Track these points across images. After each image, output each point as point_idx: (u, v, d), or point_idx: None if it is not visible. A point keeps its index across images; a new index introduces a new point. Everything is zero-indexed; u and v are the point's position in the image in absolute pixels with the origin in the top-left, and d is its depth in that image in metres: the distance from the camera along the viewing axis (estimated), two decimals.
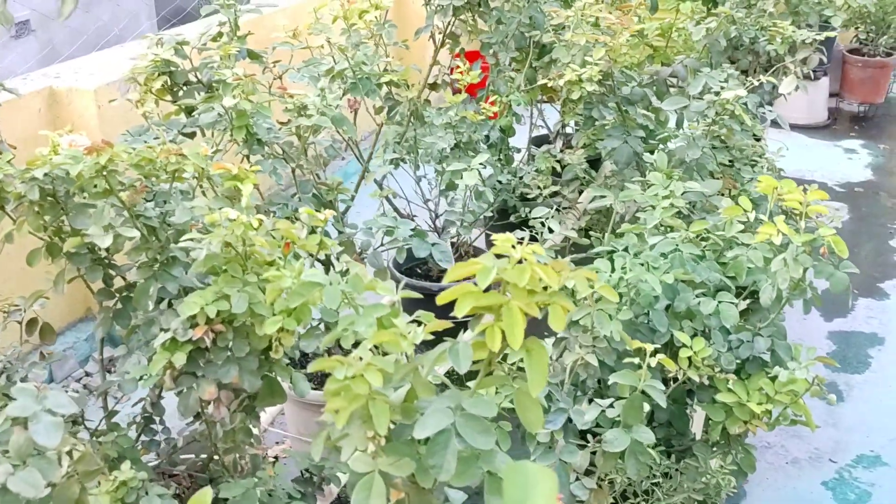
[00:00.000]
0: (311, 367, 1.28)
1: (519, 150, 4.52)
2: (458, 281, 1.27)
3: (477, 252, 3.85)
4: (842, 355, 4.03)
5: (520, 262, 1.25)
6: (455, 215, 3.10)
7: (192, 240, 1.66)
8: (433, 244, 2.55)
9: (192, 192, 2.06)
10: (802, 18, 5.27)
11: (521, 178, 3.61)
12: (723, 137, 3.20)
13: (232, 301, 1.61)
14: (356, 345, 1.44)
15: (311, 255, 1.84)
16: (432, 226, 3.66)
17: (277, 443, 3.31)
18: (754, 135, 4.36)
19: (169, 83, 2.86)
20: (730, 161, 3.38)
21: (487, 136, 3.58)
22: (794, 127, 6.73)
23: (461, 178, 2.68)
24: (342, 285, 1.53)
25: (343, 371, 1.25)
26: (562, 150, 3.99)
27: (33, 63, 8.05)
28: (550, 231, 2.52)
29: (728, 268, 2.58)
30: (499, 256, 1.29)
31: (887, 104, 7.19)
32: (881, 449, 3.47)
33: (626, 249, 2.50)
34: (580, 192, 3.60)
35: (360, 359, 1.28)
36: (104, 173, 1.71)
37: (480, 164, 2.73)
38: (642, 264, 2.40)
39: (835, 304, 4.43)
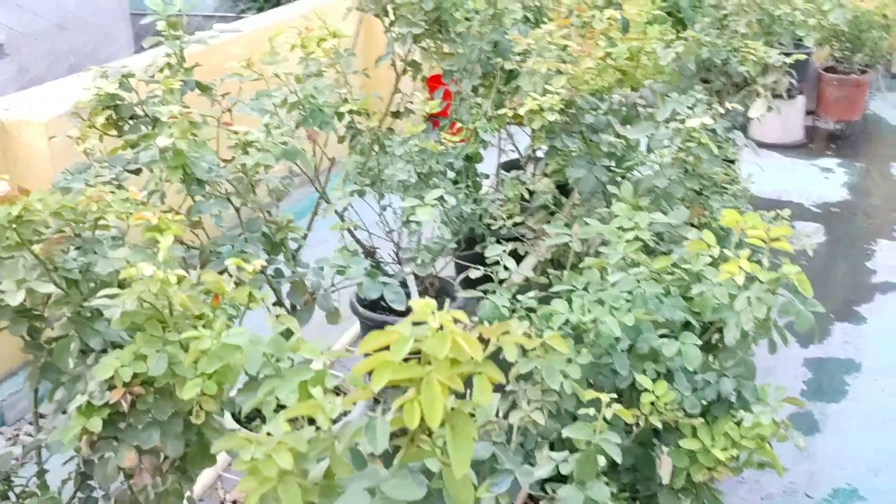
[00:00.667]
0: (215, 447, 1.17)
1: (488, 176, 4.43)
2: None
3: (443, 284, 3.74)
4: (817, 384, 3.94)
5: (440, 329, 1.15)
6: (410, 252, 2.99)
7: (108, 296, 1.55)
8: (385, 284, 2.44)
9: (123, 238, 1.96)
10: (775, 38, 5.22)
11: (485, 207, 3.51)
12: (690, 166, 3.11)
13: (149, 363, 1.50)
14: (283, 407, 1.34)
15: (243, 307, 1.73)
16: (395, 258, 3.56)
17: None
18: (727, 159, 4.30)
19: (114, 117, 2.76)
20: (700, 188, 3.30)
21: (452, 165, 3.49)
22: (770, 146, 6.71)
23: (415, 213, 2.58)
24: (265, 346, 1.43)
25: (250, 451, 1.14)
26: (533, 175, 3.91)
27: (9, 87, 7.92)
28: (506, 269, 2.43)
29: (694, 304, 2.49)
30: (419, 323, 1.19)
31: (864, 122, 7.14)
32: (858, 482, 3.37)
33: (586, 288, 2.40)
34: (549, 221, 3.50)
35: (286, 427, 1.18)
36: (16, 225, 1.60)
37: (436, 198, 2.62)
38: (602, 304, 2.30)
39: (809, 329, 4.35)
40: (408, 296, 3.56)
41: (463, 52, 3.37)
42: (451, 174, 3.71)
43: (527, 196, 3.67)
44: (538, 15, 5.66)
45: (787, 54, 5.60)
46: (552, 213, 3.39)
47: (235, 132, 2.44)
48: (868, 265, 4.99)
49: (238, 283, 1.70)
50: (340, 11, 3.64)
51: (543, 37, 3.03)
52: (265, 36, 3.41)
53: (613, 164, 3.43)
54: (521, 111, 2.94)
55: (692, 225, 3.24)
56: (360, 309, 3.53)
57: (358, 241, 3.59)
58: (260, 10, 9.90)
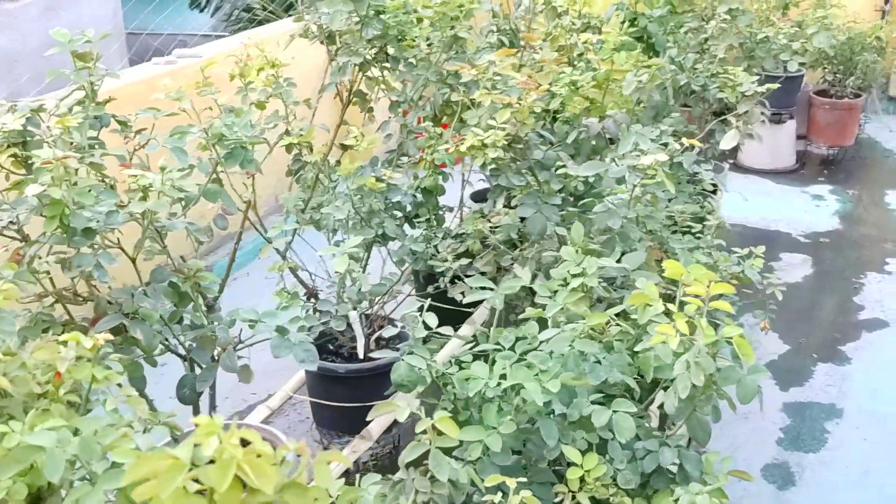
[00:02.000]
0: None
1: (451, 209, 4.22)
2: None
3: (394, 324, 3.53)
4: (796, 431, 3.71)
5: (224, 453, 0.94)
6: (329, 304, 2.78)
7: None
8: (298, 342, 2.23)
9: None
10: (757, 63, 5.02)
11: (435, 245, 3.31)
12: (647, 204, 2.90)
13: None
14: None
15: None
16: (340, 300, 3.35)
17: None
18: (704, 191, 4.08)
19: (21, 155, 2.57)
20: (660, 227, 3.08)
21: (398, 203, 3.28)
22: (760, 172, 6.50)
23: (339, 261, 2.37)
24: (74, 448, 1.22)
25: None
26: (494, 207, 3.71)
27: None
28: (427, 328, 2.22)
29: (637, 362, 2.28)
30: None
31: (857, 146, 6.92)
32: None
33: (512, 347, 2.19)
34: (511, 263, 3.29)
35: None
36: None
37: (377, 237, 2.42)
38: (528, 366, 2.08)
39: (790, 371, 4.12)
40: (353, 339, 3.37)
41: (409, 83, 3.17)
42: (410, 208, 3.51)
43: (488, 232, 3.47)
44: (513, 38, 5.51)
45: (775, 77, 5.41)
46: (499, 256, 3.18)
47: (134, 175, 2.24)
48: (856, 300, 4.76)
49: (86, 358, 1.49)
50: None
51: (487, 68, 2.83)
52: (227, 60, 3.24)
53: (574, 200, 3.23)
54: (463, 147, 2.74)
55: (656, 263, 3.03)
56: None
57: (301, 282, 3.39)
58: None
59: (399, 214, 3.46)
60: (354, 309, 3.34)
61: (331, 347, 3.49)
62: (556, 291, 2.39)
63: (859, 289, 4.87)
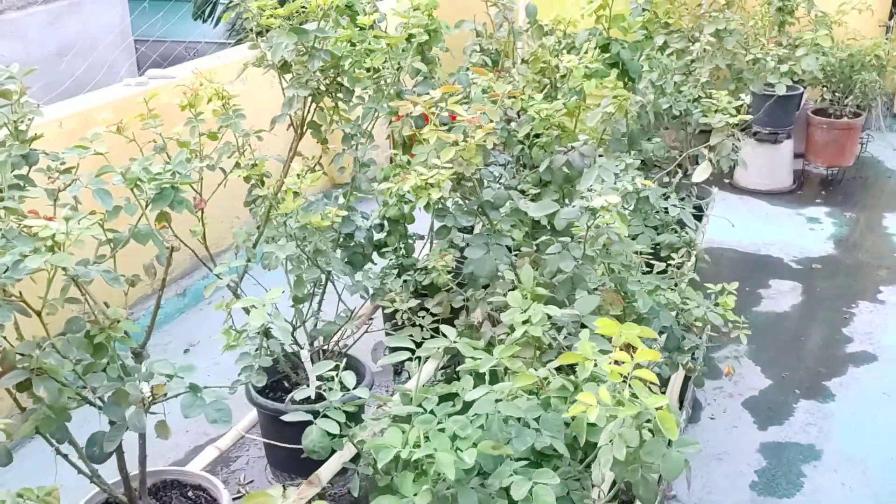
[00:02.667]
0: None
1: (422, 237, 4.11)
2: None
3: (351, 361, 3.42)
4: (771, 474, 3.56)
5: None
6: (277, 344, 2.66)
7: None
8: (211, 402, 2.12)
9: None
10: (744, 84, 4.89)
11: (385, 282, 3.20)
12: (603, 247, 2.78)
13: None
14: None
15: None
16: (291, 337, 3.25)
17: None
18: (679, 223, 3.94)
19: None
20: (620, 268, 2.95)
21: (349, 237, 3.17)
22: (756, 193, 6.35)
23: (254, 313, 2.26)
24: None
25: None
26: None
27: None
28: (345, 389, 2.09)
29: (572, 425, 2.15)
30: None
31: (858, 165, 6.75)
32: None
33: (433, 411, 2.07)
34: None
35: None
36: None
37: (273, 301, 2.30)
38: (446, 433, 1.97)
39: (770, 408, 3.98)
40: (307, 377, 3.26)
41: (358, 117, 3.06)
42: (364, 242, 3.41)
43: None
44: (497, 58, 5.39)
45: (769, 96, 5.27)
46: (461, 293, 3.06)
47: (30, 226, 2.13)
48: (845, 331, 4.60)
49: None
50: None
51: (433, 102, 2.71)
52: (203, 77, 3.15)
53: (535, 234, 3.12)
54: (406, 187, 2.62)
55: (612, 307, 2.91)
56: (254, 395, 3.22)
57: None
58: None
59: (360, 242, 3.36)
60: (305, 348, 3.24)
61: (286, 385, 3.39)
62: (489, 346, 2.27)
63: (849, 319, 4.71)
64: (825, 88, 6.49)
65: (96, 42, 10.52)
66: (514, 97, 3.24)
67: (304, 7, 2.82)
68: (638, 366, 1.84)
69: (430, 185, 2.62)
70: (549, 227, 3.21)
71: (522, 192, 3.78)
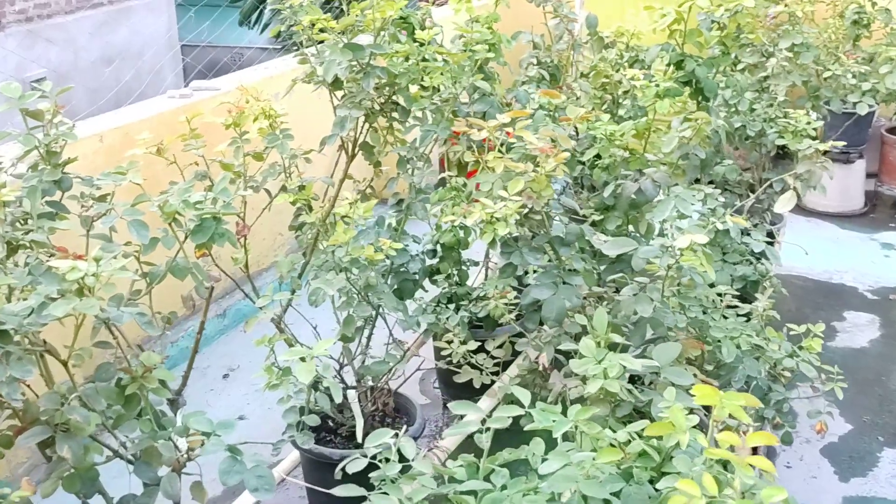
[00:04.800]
0: None
1: (477, 263, 3.87)
2: None
3: (401, 402, 3.18)
4: None
5: None
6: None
7: None
8: (252, 467, 1.89)
9: None
10: (822, 101, 4.57)
11: (439, 318, 2.95)
12: (683, 288, 2.51)
13: None
14: None
15: None
16: (338, 375, 3.02)
17: None
18: (756, 255, 3.64)
19: None
20: (701, 310, 2.68)
21: (402, 268, 2.93)
22: (825, 216, 6.01)
23: (295, 368, 2.02)
24: None
25: None
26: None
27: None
28: (402, 459, 1.84)
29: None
30: None
31: None
32: None
33: (504, 487, 1.81)
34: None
35: None
36: None
37: (323, 353, 2.06)
38: None
39: (852, 457, 3.66)
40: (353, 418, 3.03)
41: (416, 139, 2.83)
42: (418, 273, 3.17)
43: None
44: (556, 71, 5.12)
45: (851, 114, 4.94)
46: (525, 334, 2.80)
47: (78, 256, 1.93)
48: None
49: None
50: None
51: (499, 126, 2.46)
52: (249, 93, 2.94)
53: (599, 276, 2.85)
54: (469, 221, 2.38)
55: (689, 361, 2.63)
56: (298, 445, 2.99)
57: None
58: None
59: (414, 271, 3.12)
60: (353, 388, 3.01)
61: (331, 425, 3.15)
62: (561, 402, 2.01)
63: None
64: None
65: (144, 48, 10.43)
66: (587, 120, 2.97)
67: (359, 21, 2.59)
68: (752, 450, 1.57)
69: (496, 220, 2.37)
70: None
71: (582, 220, 3.53)
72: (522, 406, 1.88)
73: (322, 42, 2.68)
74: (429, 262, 3.38)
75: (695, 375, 2.61)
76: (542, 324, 2.57)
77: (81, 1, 10.24)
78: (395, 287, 3.24)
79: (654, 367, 2.34)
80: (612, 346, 2.31)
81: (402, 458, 1.82)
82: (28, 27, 9.44)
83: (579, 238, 2.57)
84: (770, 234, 4.44)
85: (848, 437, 3.79)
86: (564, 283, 2.53)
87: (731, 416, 1.66)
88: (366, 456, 1.82)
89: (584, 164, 3.42)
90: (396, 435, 1.86)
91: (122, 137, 3.98)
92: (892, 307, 4.87)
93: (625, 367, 2.22)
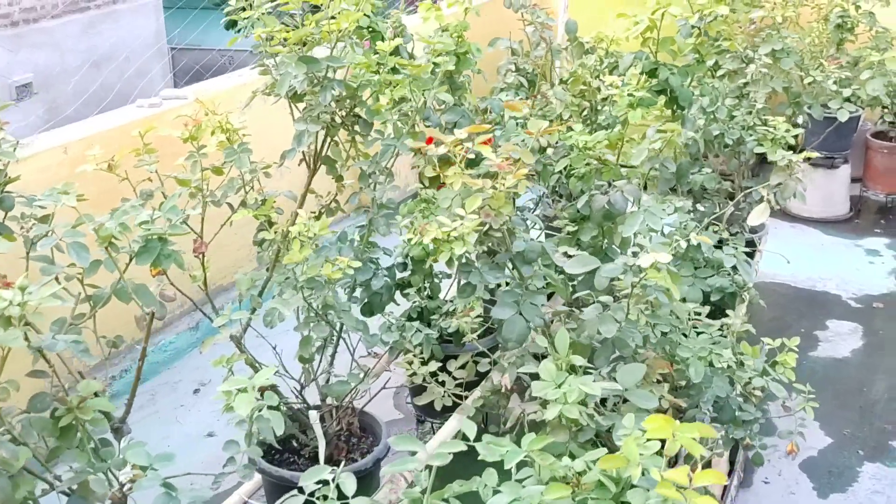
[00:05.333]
0: None
1: (450, 276, 3.79)
2: None
3: (367, 421, 3.10)
4: None
5: None
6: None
7: None
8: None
9: None
10: (802, 108, 4.50)
11: (404, 335, 2.87)
12: (649, 308, 2.44)
13: None
14: None
15: None
16: (299, 396, 2.94)
17: None
18: (733, 269, 3.57)
19: None
20: (668, 330, 2.60)
21: (366, 284, 2.85)
22: (809, 221, 5.94)
23: (232, 403, 1.94)
24: None
25: None
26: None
27: (37, 126, 7.55)
28: (341, 497, 1.76)
29: None
30: None
31: None
32: None
33: None
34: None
35: None
36: None
37: (265, 382, 1.98)
38: None
39: (832, 472, 3.59)
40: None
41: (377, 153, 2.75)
42: (383, 291, 3.09)
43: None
44: (533, 77, 5.05)
45: (834, 119, 4.87)
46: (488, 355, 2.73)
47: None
48: None
49: None
50: None
51: (458, 142, 2.39)
52: (219, 101, 2.87)
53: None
54: (426, 239, 2.30)
55: (661, 380, 2.56)
56: (263, 465, 2.91)
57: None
58: None
59: (377, 288, 3.04)
60: (315, 408, 2.93)
61: (295, 445, 3.07)
62: (519, 440, 1.93)
63: None
64: (885, 110, 6.05)
65: (132, 51, 10.33)
66: (558, 131, 2.89)
67: (314, 33, 2.51)
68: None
69: (452, 239, 2.29)
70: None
71: (558, 229, 3.46)
72: (468, 439, 1.80)
73: (278, 54, 2.60)
74: (400, 275, 3.31)
75: (662, 397, 2.54)
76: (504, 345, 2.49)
77: (68, 4, 10.14)
78: (366, 301, 3.17)
79: (617, 390, 2.27)
80: (574, 369, 2.24)
81: (341, 496, 1.74)
82: (13, 31, 9.35)
83: (541, 255, 2.49)
84: (750, 243, 4.38)
85: (827, 451, 3.72)
86: (528, 302, 2.45)
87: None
88: (302, 492, 1.74)
89: (560, 172, 3.35)
90: (335, 470, 1.78)
91: (86, 148, 3.88)
92: (875, 316, 4.81)
93: (588, 394, 2.15)
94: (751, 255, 4.27)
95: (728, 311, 3.84)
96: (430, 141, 3.05)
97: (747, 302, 3.62)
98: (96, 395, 2.04)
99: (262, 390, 2.95)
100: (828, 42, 5.51)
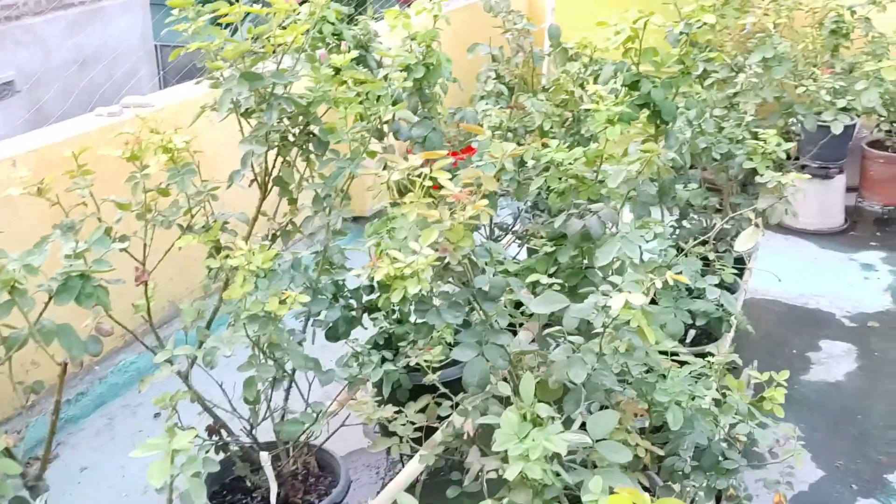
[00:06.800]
0: None
1: None
2: None
3: (325, 460, 2.90)
4: None
5: None
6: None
7: None
8: None
9: None
10: (793, 118, 4.30)
11: (363, 368, 2.66)
12: (620, 352, 2.23)
13: None
14: None
15: None
16: (249, 434, 2.73)
17: None
18: (726, 286, 3.37)
19: None
20: (644, 371, 2.39)
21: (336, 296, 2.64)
22: (803, 233, 5.73)
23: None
24: None
25: None
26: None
27: (20, 126, 7.30)
28: None
29: None
30: None
31: None
32: None
33: None
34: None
35: None
36: None
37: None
38: None
39: (824, 501, 3.39)
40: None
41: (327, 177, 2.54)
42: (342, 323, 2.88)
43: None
44: (513, 86, 4.83)
45: (822, 129, 4.66)
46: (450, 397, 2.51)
47: None
48: None
49: None
50: None
51: (413, 169, 2.17)
52: (186, 111, 2.65)
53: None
54: (378, 276, 2.09)
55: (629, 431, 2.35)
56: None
57: (209, 412, 2.76)
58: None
59: (345, 305, 2.84)
60: (265, 449, 2.73)
61: (247, 485, 2.87)
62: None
63: None
64: (882, 119, 5.85)
65: (118, 49, 10.10)
66: (515, 156, 2.69)
67: (259, 48, 2.30)
68: None
69: (406, 276, 2.08)
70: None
71: (535, 250, 3.27)
72: None
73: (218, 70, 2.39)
74: (367, 297, 3.11)
75: (637, 445, 2.33)
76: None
77: (51, 1, 9.91)
78: (330, 325, 2.96)
79: (586, 444, 2.07)
80: (538, 422, 2.03)
81: None
82: None
83: (505, 292, 2.28)
84: (739, 260, 4.17)
85: (819, 484, 3.51)
86: (490, 342, 2.24)
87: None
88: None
89: (540, 190, 3.16)
90: None
91: (38, 161, 3.67)
92: (871, 336, 4.60)
93: (552, 451, 1.94)
94: (740, 272, 4.07)
95: (715, 334, 3.69)
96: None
97: (734, 327, 3.43)
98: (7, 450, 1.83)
99: (209, 431, 2.75)
100: (822, 48, 5.29)
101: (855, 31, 5.22)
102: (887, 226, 5.91)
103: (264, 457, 2.68)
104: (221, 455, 2.73)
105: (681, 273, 2.94)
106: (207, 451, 2.65)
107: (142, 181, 2.59)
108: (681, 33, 3.41)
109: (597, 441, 2.10)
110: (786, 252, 5.51)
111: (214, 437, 2.69)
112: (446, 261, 2.15)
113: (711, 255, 3.54)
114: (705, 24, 3.24)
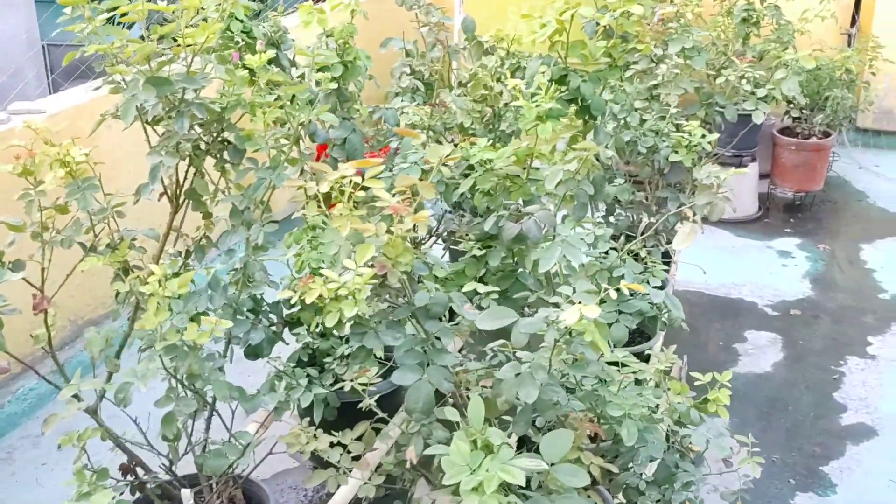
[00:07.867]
0: None
1: None
2: None
3: (253, 492, 2.69)
4: None
5: None
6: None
7: None
8: None
9: None
10: (715, 110, 4.26)
11: (290, 395, 2.47)
12: (572, 366, 2.10)
13: None
14: None
15: None
16: (168, 471, 2.51)
17: None
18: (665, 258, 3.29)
19: None
20: (596, 384, 2.27)
21: (245, 343, 2.44)
22: (720, 222, 5.74)
23: None
24: None
25: None
26: None
27: None
28: None
29: None
30: None
31: (827, 189, 6.19)
32: None
33: None
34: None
35: None
36: None
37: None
38: None
39: (763, 497, 3.35)
40: None
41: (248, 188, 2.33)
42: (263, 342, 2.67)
43: None
44: (430, 82, 4.67)
45: (742, 118, 4.64)
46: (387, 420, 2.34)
47: None
48: (836, 397, 4.00)
49: None
50: None
51: (342, 179, 1.99)
52: (82, 117, 2.38)
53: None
54: (309, 299, 1.90)
55: (591, 440, 2.23)
56: None
57: (123, 449, 2.52)
58: None
59: (256, 342, 2.63)
60: (190, 482, 2.51)
61: None
62: None
63: (839, 380, 4.11)
64: (791, 105, 5.91)
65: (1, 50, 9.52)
66: (455, 160, 2.53)
67: (165, 51, 2.07)
68: None
69: (341, 297, 1.90)
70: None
71: (459, 251, 3.12)
72: None
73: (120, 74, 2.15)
74: (287, 311, 2.90)
75: (591, 463, 2.21)
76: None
77: None
78: (249, 344, 2.75)
79: (542, 469, 1.93)
80: (489, 448, 1.88)
81: None
82: None
83: (446, 308, 2.12)
84: (665, 254, 4.12)
85: (758, 482, 3.44)
86: (434, 363, 2.08)
87: None
88: None
89: (466, 192, 3.01)
90: None
91: None
92: (793, 324, 4.62)
93: (506, 482, 1.79)
94: (667, 265, 4.01)
95: (647, 332, 3.62)
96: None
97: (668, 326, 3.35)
98: None
99: (123, 470, 2.51)
100: (734, 37, 5.29)
101: (764, 18, 5.25)
102: (800, 212, 5.98)
103: (186, 495, 2.47)
104: (137, 495, 2.49)
105: (622, 277, 2.85)
106: (122, 493, 2.44)
107: (37, 199, 2.34)
108: (598, 24, 3.31)
109: (552, 465, 1.96)
110: (703, 243, 5.45)
111: (129, 477, 2.45)
112: (383, 278, 1.97)
113: (643, 253, 3.46)
114: (632, 14, 3.13)
